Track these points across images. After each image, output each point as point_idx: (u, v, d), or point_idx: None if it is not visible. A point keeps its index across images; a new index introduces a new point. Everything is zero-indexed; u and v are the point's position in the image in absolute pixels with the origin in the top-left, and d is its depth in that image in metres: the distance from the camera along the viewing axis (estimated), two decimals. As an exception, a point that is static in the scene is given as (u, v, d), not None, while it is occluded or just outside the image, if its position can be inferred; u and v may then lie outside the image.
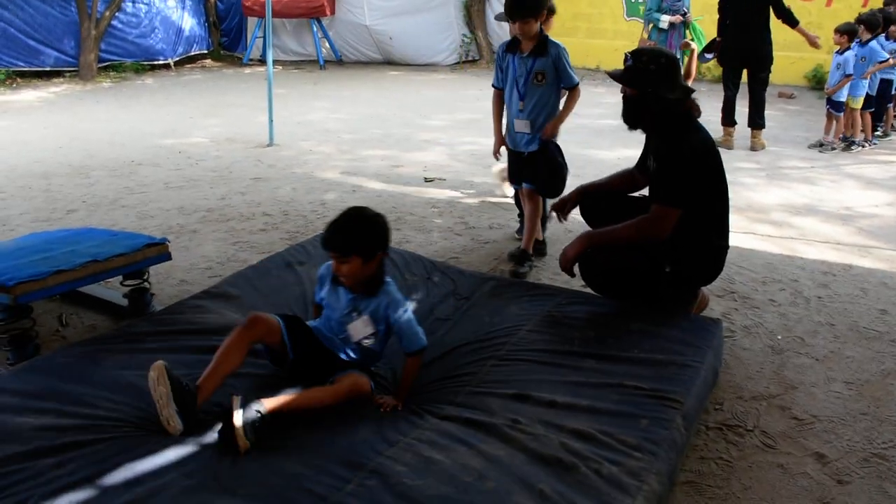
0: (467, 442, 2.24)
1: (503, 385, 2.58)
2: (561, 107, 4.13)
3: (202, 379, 2.36)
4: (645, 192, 3.42)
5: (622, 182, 3.60)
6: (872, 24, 7.23)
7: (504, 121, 4.23)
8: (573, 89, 4.07)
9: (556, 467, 2.13)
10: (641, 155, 3.49)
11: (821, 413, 2.79)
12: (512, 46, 4.05)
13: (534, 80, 3.98)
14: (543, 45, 3.96)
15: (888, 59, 7.26)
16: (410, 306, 2.73)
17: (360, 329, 2.60)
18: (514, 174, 4.33)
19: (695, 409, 2.55)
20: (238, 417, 2.18)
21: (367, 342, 2.62)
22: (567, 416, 2.38)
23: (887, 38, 7.47)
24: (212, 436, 2.25)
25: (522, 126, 4.09)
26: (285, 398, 2.37)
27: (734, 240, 3.38)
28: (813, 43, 7.26)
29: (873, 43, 7.20)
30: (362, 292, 2.59)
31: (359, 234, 2.51)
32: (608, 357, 2.74)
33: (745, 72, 7.30)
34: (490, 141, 4.38)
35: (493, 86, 4.23)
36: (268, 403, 2.30)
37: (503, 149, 4.31)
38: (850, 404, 2.85)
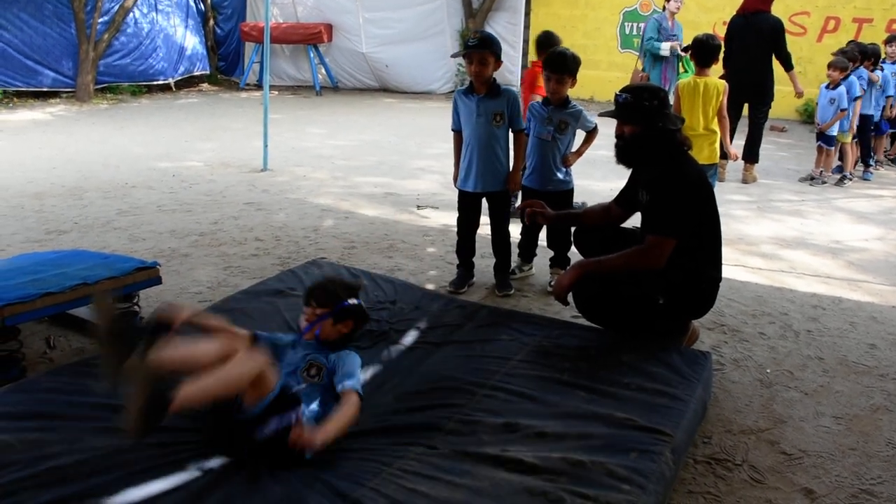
0: (453, 473, 2.23)
1: (493, 414, 2.57)
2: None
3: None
4: (634, 222, 3.44)
5: (596, 215, 3.62)
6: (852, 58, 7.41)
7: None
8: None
9: (542, 499, 2.11)
10: (625, 188, 3.51)
11: (809, 448, 2.78)
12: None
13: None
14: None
15: (859, 97, 7.38)
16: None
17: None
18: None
19: (684, 442, 2.54)
20: None
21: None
22: (556, 447, 2.36)
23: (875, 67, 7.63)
24: (201, 463, 2.23)
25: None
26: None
27: (725, 272, 3.40)
28: (799, 94, 7.58)
29: (851, 77, 7.31)
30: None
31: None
32: (598, 389, 2.74)
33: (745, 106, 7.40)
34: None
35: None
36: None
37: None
38: (838, 439, 2.85)
